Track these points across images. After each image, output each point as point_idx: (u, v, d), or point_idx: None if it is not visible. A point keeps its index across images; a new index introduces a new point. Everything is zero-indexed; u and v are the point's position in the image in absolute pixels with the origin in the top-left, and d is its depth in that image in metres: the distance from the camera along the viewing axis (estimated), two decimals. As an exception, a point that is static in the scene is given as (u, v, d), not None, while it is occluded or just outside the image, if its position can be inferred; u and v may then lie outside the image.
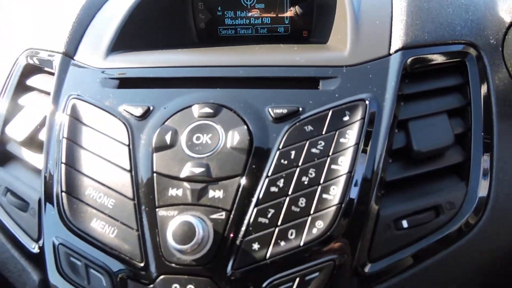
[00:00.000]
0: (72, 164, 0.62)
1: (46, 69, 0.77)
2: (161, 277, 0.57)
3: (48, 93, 0.72)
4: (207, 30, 0.89)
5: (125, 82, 0.70)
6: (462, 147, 0.64)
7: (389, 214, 0.59)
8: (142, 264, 0.57)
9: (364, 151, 0.59)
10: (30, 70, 0.78)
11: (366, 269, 0.57)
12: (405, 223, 0.59)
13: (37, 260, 0.63)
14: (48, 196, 0.63)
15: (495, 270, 0.65)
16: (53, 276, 0.61)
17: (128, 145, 0.62)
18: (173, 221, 0.56)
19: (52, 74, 0.74)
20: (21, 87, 0.77)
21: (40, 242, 0.63)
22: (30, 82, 0.77)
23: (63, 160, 0.62)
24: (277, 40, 0.87)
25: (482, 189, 0.61)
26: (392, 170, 0.61)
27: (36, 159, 0.69)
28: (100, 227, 0.59)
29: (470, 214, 0.60)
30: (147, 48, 0.78)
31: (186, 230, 0.54)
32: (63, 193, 0.61)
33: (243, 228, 0.56)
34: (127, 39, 0.77)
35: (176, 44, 0.82)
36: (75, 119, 0.66)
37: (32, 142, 0.70)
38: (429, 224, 0.59)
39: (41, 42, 0.79)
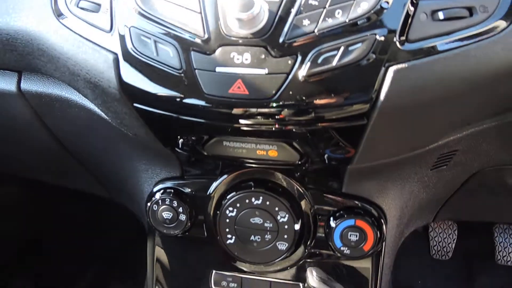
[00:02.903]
0: None
1: None
2: (221, 47, 0.65)
3: None
4: None
5: None
6: None
7: (427, 5, 0.65)
8: (205, 37, 0.65)
9: None
10: None
11: (403, 47, 0.64)
12: (441, 15, 0.64)
13: (112, 43, 0.71)
14: None
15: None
16: (127, 52, 0.69)
17: None
18: None
19: None
20: None
21: (114, 30, 0.71)
22: None
23: None
24: None
25: None
26: None
27: None
28: (167, 12, 0.67)
29: (502, 17, 0.65)
30: None
31: (246, 2, 0.61)
32: None
33: (295, 8, 0.63)
34: None
35: None
36: None
37: None
38: (463, 21, 0.65)
39: None
